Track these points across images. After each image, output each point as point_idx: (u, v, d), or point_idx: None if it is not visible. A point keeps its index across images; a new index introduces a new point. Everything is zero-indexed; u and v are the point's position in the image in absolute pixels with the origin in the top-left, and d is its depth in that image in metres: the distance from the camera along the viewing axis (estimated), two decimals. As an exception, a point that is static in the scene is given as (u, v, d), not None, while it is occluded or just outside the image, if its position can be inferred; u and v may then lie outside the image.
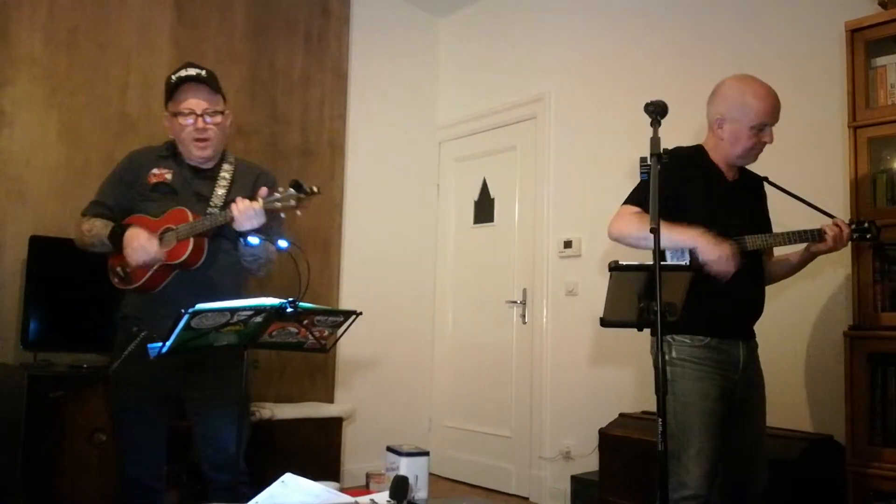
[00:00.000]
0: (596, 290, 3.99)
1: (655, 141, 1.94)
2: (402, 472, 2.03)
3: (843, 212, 2.92)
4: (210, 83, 2.34)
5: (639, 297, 1.96)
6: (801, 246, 2.35)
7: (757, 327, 2.44)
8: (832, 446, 2.86)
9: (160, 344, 1.88)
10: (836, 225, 2.24)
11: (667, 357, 2.23)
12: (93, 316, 3.36)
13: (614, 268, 1.98)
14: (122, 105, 3.76)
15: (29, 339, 3.20)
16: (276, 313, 1.95)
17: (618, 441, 3.28)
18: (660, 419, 1.79)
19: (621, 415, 3.50)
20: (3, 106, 3.41)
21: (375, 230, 4.72)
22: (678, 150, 2.24)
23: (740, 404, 2.29)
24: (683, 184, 2.20)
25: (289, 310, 1.94)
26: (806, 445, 2.81)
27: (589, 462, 3.77)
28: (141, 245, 2.20)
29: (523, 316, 4.46)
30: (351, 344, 4.38)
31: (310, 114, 4.51)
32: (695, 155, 2.35)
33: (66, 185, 3.54)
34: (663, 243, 2.17)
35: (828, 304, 3.08)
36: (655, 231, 1.84)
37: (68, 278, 3.33)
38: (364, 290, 4.56)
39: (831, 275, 3.07)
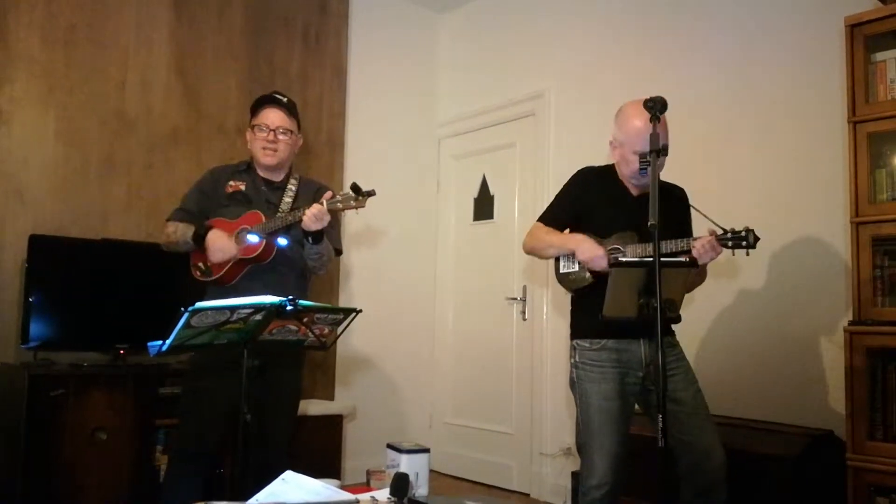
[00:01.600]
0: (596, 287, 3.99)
1: (654, 137, 1.96)
2: (403, 469, 2.04)
3: (842, 208, 2.93)
4: (289, 108, 2.73)
5: (638, 293, 1.97)
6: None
7: (756, 323, 2.44)
8: (832, 441, 2.86)
9: (160, 342, 1.89)
10: (702, 239, 2.28)
11: (572, 360, 2.48)
12: (93, 314, 3.36)
13: (614, 264, 2.00)
14: (121, 103, 3.76)
15: (29, 337, 3.20)
16: (275, 311, 1.95)
17: (618, 437, 3.28)
18: (660, 416, 1.79)
19: (621, 411, 3.50)
20: (1, 104, 3.41)
21: (375, 227, 4.72)
22: (588, 169, 2.61)
23: (658, 397, 2.25)
24: (590, 199, 2.50)
25: (289, 308, 1.94)
26: (806, 441, 2.81)
27: (589, 458, 3.77)
28: (222, 246, 2.54)
29: (523, 312, 4.46)
30: (351, 341, 4.39)
31: (309, 112, 4.50)
32: (603, 174, 2.58)
33: (65, 184, 3.54)
34: (553, 252, 2.54)
35: (827, 300, 3.08)
36: (654, 227, 1.84)
37: (68, 277, 3.33)
38: (364, 288, 4.56)
39: (831, 271, 3.07)
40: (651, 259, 1.94)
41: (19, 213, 3.42)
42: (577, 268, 2.47)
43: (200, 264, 2.65)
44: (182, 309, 1.82)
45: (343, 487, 1.92)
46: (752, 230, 2.29)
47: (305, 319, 2.04)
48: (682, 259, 2.15)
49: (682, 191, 2.61)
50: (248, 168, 2.77)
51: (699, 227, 2.48)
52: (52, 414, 2.99)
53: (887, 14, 2.65)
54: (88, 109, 3.65)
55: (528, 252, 2.67)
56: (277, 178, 2.76)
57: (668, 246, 2.32)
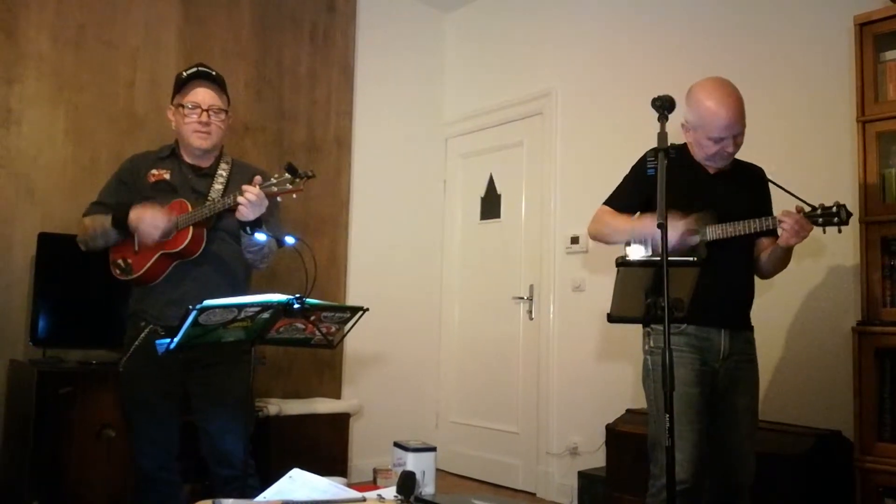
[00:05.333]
0: (603, 286, 3.98)
1: (662, 136, 1.95)
2: (410, 467, 2.04)
3: (851, 208, 2.90)
4: (219, 83, 2.45)
5: (645, 292, 1.96)
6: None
7: (764, 323, 2.43)
8: (840, 442, 2.85)
9: (168, 340, 1.89)
10: (791, 217, 2.18)
11: (646, 346, 2.30)
12: (101, 312, 3.37)
13: (621, 263, 1.99)
14: (130, 102, 3.77)
15: (38, 335, 3.22)
16: (283, 309, 1.95)
17: (625, 437, 3.28)
18: (667, 415, 1.79)
19: (628, 410, 3.50)
20: (11, 104, 3.43)
21: (382, 226, 4.73)
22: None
23: (723, 397, 2.29)
24: (647, 165, 2.23)
25: (296, 306, 1.94)
26: (814, 441, 2.80)
27: (596, 458, 3.77)
28: (153, 218, 2.26)
29: (530, 312, 4.46)
30: (358, 340, 4.40)
31: (316, 110, 4.51)
32: (676, 152, 2.34)
33: (74, 183, 3.55)
34: (623, 237, 2.39)
35: (836, 300, 3.06)
36: (663, 227, 1.83)
37: (77, 275, 3.34)
38: (371, 287, 4.57)
39: (840, 270, 3.06)
40: (658, 259, 1.91)
41: (29, 211, 3.44)
42: (650, 253, 2.32)
43: (120, 260, 2.41)
44: (190, 307, 1.83)
45: (350, 486, 1.93)
46: (844, 205, 2.16)
47: (312, 318, 2.04)
48: (691, 259, 2.12)
49: (760, 170, 2.49)
50: (171, 154, 2.48)
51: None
52: (61, 411, 3.00)
53: (897, 13, 2.64)
54: (98, 108, 3.67)
55: (592, 238, 2.54)
56: (205, 163, 2.47)
57: (751, 225, 2.21)
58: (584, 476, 3.59)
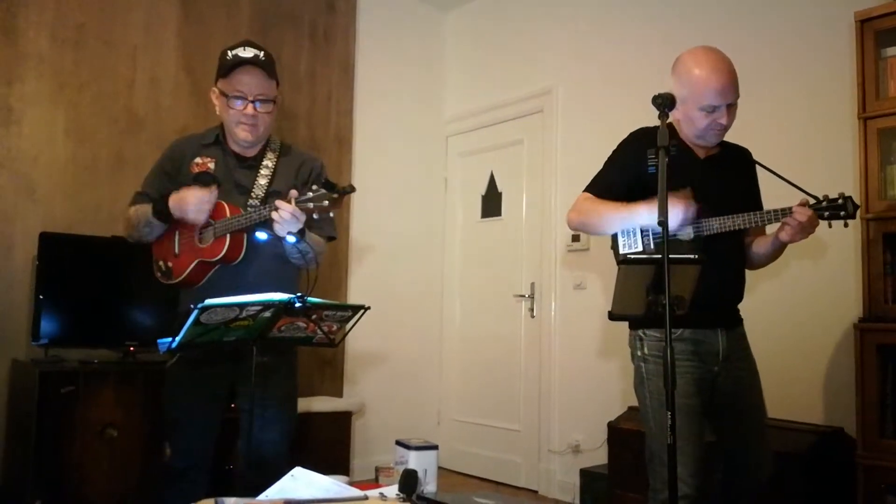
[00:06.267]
0: (604, 284, 3.99)
1: (663, 133, 1.92)
2: (412, 465, 2.04)
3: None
4: (267, 68, 2.25)
5: (647, 290, 1.94)
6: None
7: (766, 320, 2.42)
8: (842, 439, 2.85)
9: (170, 339, 1.89)
10: (797, 218, 2.04)
11: (638, 352, 2.20)
12: (103, 311, 3.37)
13: (622, 261, 1.97)
14: (130, 102, 3.77)
15: (40, 334, 3.21)
16: (284, 308, 1.95)
17: (627, 434, 3.28)
18: (669, 413, 1.78)
19: (630, 408, 3.50)
20: (11, 103, 3.43)
21: (383, 225, 4.73)
22: (644, 129, 2.26)
23: (728, 400, 2.19)
24: (648, 162, 2.00)
25: (297, 305, 1.94)
26: (816, 438, 2.80)
27: (598, 455, 3.77)
28: (197, 199, 2.14)
29: (531, 310, 4.46)
30: (359, 338, 4.40)
31: (316, 109, 4.51)
32: (675, 148, 2.18)
33: (75, 182, 3.55)
34: (613, 226, 2.21)
35: (838, 296, 3.06)
36: (664, 224, 1.80)
37: (78, 274, 3.35)
38: (372, 285, 4.57)
39: (841, 266, 3.06)
40: (659, 256, 1.89)
41: (30, 210, 3.44)
42: (641, 247, 2.17)
43: (161, 262, 2.32)
44: (192, 306, 1.83)
45: (352, 484, 1.93)
46: (850, 196, 2.01)
47: (314, 316, 2.03)
48: (692, 256, 2.08)
49: (747, 151, 2.34)
50: (216, 140, 2.34)
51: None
52: (62, 411, 3.00)
53: (898, 9, 2.64)
54: (98, 108, 3.67)
55: (575, 228, 2.35)
56: (252, 152, 2.33)
57: (755, 219, 2.07)
58: (585, 473, 3.60)
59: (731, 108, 2.15)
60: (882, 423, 2.52)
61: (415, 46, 5.03)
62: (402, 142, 4.90)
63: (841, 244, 3.03)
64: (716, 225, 2.12)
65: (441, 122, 5.13)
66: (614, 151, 2.32)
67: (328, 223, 2.36)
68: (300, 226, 2.07)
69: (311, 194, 2.02)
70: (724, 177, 2.24)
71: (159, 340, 1.94)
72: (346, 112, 4.65)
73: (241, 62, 2.20)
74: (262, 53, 2.24)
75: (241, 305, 1.89)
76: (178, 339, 1.88)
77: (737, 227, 2.12)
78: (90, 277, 3.39)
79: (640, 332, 2.20)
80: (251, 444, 2.14)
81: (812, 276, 3.14)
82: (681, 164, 2.11)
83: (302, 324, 2.06)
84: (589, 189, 2.29)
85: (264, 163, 2.31)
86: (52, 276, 3.26)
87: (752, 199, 2.26)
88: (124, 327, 3.37)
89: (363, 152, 4.69)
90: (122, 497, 3.10)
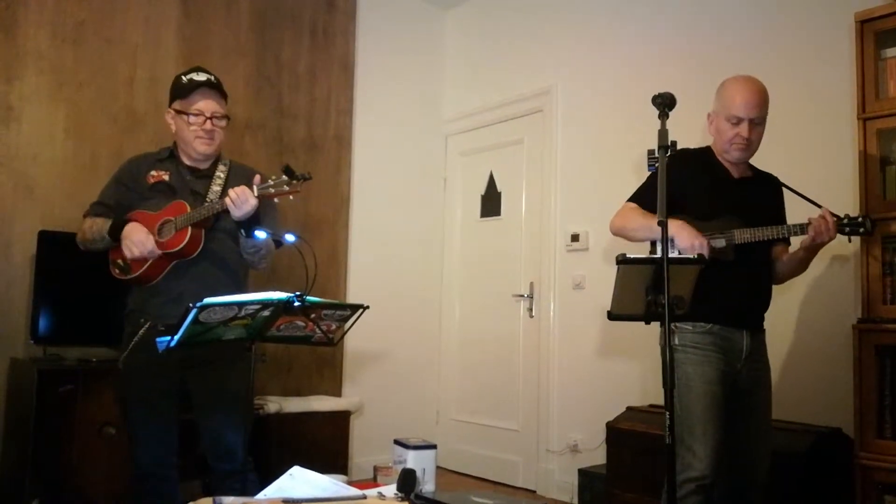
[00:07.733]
0: (603, 284, 3.97)
1: (663, 133, 1.94)
2: (410, 465, 2.04)
3: (852, 205, 2.91)
4: (220, 89, 2.50)
5: (646, 290, 1.96)
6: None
7: (767, 320, 2.43)
8: (840, 439, 2.85)
9: (169, 337, 1.89)
10: (822, 217, 2.26)
11: (670, 344, 2.25)
12: (102, 310, 3.36)
13: (622, 261, 1.98)
14: (129, 100, 3.77)
15: (38, 333, 3.22)
16: (283, 307, 1.95)
17: (625, 434, 3.28)
18: (667, 412, 1.78)
19: (629, 408, 3.50)
20: (11, 101, 3.42)
21: (382, 224, 4.73)
22: (684, 150, 2.41)
23: (744, 397, 2.32)
24: (688, 182, 2.32)
25: (296, 304, 1.94)
26: (814, 438, 2.80)
27: (596, 455, 3.77)
28: (139, 240, 2.31)
29: (530, 309, 4.46)
30: (358, 337, 4.39)
31: (316, 108, 4.51)
32: (700, 154, 2.47)
33: (74, 180, 3.55)
34: (648, 235, 2.39)
35: (836, 297, 3.06)
36: (663, 224, 1.83)
37: (77, 273, 3.33)
38: (371, 284, 4.57)
39: (840, 268, 3.06)
40: (658, 256, 1.91)
41: (29, 208, 3.43)
42: (675, 253, 2.27)
43: (119, 261, 2.43)
44: (190, 305, 1.83)
45: (350, 483, 1.93)
46: (868, 215, 2.26)
47: (313, 315, 2.04)
48: (691, 256, 2.11)
49: (776, 178, 2.55)
50: (170, 155, 2.53)
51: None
52: (61, 409, 3.00)
53: (898, 10, 2.64)
54: (97, 105, 3.67)
55: (615, 232, 2.53)
56: (204, 165, 2.52)
57: (780, 230, 2.29)
58: (584, 473, 3.59)
59: (757, 126, 2.35)
60: (880, 423, 2.52)
61: (414, 45, 5.02)
62: (402, 141, 4.90)
63: (840, 245, 3.03)
64: (747, 235, 2.31)
65: (440, 121, 5.13)
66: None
67: (274, 226, 2.47)
68: (253, 209, 2.22)
69: (271, 181, 2.21)
70: (755, 197, 2.44)
71: (158, 339, 1.94)
72: (346, 111, 4.65)
73: (198, 85, 2.45)
74: (213, 77, 2.49)
75: (241, 304, 1.89)
76: (177, 337, 1.88)
77: (765, 238, 2.31)
78: (89, 276, 3.37)
79: (673, 325, 2.25)
80: (214, 439, 2.30)
81: (811, 277, 3.13)
82: (715, 180, 2.40)
83: (301, 323, 2.07)
84: (633, 199, 2.50)
85: (217, 174, 2.50)
86: (51, 275, 3.26)
87: (779, 219, 2.44)
88: (122, 325, 3.36)
89: (362, 151, 4.69)
90: (119, 495, 3.09)
